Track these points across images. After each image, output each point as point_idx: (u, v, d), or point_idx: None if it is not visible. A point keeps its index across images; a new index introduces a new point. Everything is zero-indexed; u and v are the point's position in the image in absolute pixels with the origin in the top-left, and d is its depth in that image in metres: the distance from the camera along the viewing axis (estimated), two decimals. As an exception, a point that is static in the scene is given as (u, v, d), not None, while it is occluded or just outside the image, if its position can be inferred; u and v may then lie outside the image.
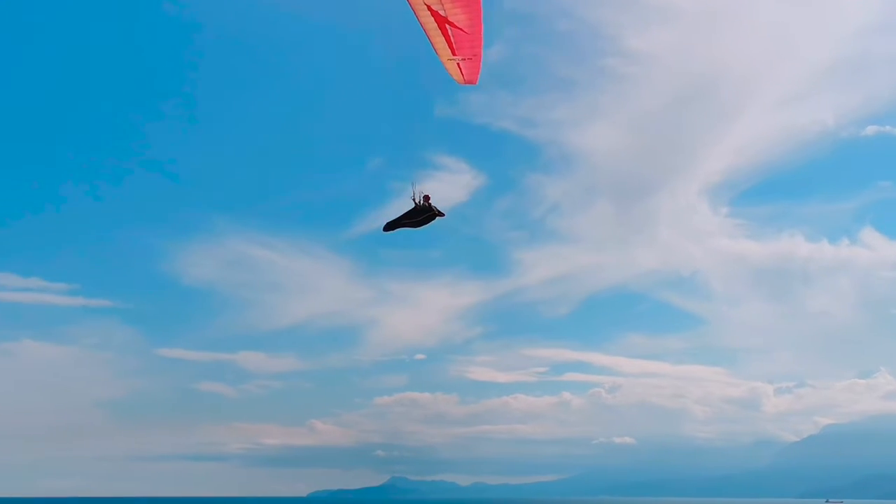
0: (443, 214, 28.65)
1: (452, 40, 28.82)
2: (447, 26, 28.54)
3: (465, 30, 28.65)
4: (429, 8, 28.08)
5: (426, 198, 28.59)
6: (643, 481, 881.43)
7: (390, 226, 28.38)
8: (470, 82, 29.88)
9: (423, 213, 28.37)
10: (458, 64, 29.35)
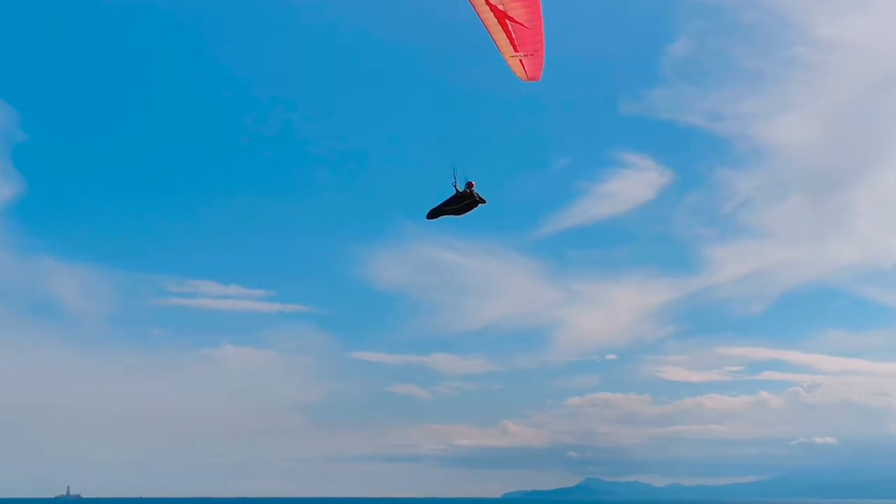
0: (484, 201, 28.10)
1: (514, 36, 28.12)
2: (507, 22, 27.86)
3: (526, 25, 27.89)
4: (488, 3, 27.50)
5: (469, 184, 28.04)
6: (846, 483, 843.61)
7: (433, 213, 28.02)
8: (533, 79, 29.09)
9: (464, 200, 27.82)
10: (520, 60, 28.63)
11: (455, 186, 26.54)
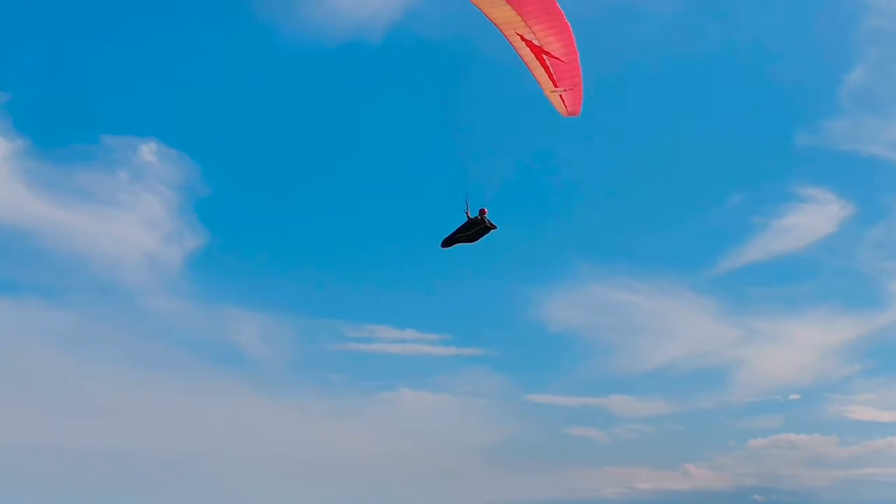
0: (495, 227, 27.62)
1: (552, 71, 27.63)
2: (544, 56, 27.41)
3: (563, 59, 27.35)
4: (522, 38, 27.20)
5: (482, 211, 27.72)
6: None
7: (447, 242, 27.79)
8: (573, 114, 28.46)
9: (476, 226, 27.54)
10: (560, 96, 28.08)
11: (467, 214, 26.26)
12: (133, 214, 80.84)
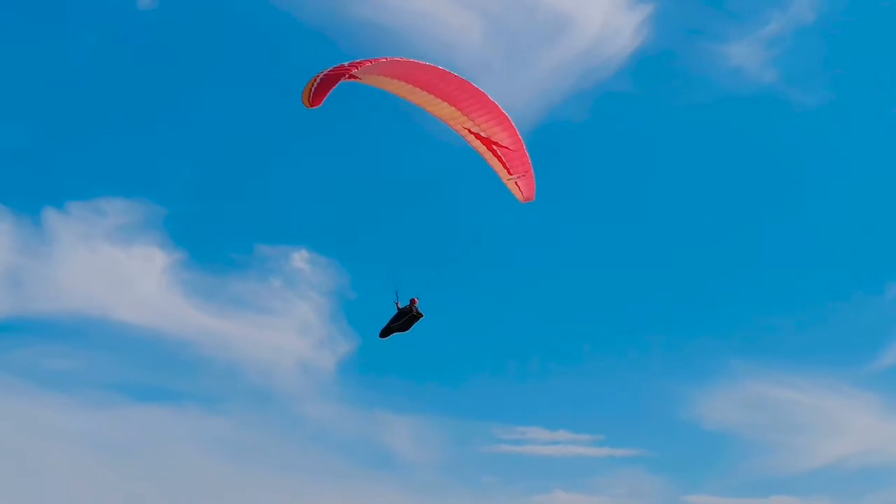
0: (421, 315, 28.13)
1: (504, 160, 28.25)
2: (494, 147, 28.06)
3: (510, 147, 27.88)
4: (470, 132, 27.91)
5: (413, 301, 28.37)
6: None
7: (384, 332, 28.57)
8: (528, 199, 28.84)
9: (405, 315, 28.20)
10: (515, 182, 28.59)
11: (397, 305, 27.01)
12: (287, 321, 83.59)
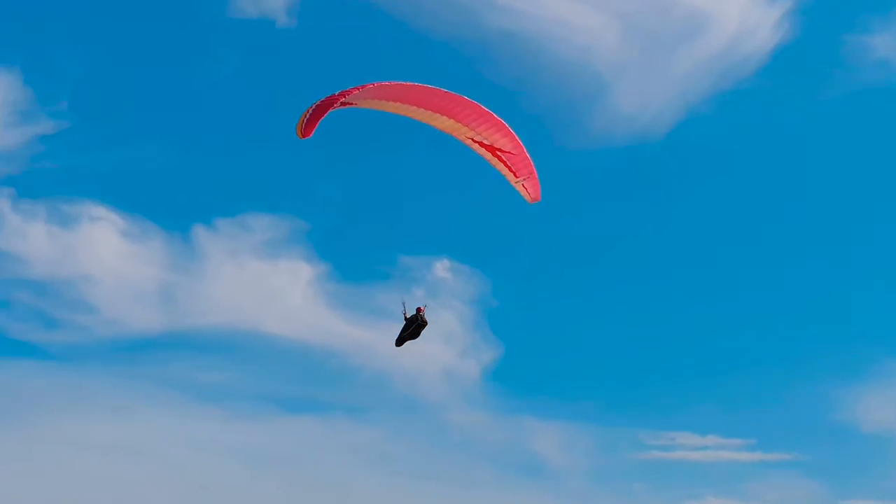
0: (426, 323, 29.43)
1: (510, 164, 29.36)
2: (499, 153, 29.21)
3: (513, 151, 28.98)
4: (474, 140, 29.07)
5: (419, 309, 29.64)
6: None
7: (398, 342, 30.01)
8: (536, 199, 29.82)
9: (413, 324, 29.56)
10: (522, 184, 29.68)
11: (404, 315, 28.52)
12: (431, 331, 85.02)
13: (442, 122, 28.82)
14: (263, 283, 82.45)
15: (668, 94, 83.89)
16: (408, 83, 27.28)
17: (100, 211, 76.78)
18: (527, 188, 29.65)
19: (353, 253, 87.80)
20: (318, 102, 26.20)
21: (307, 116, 25.95)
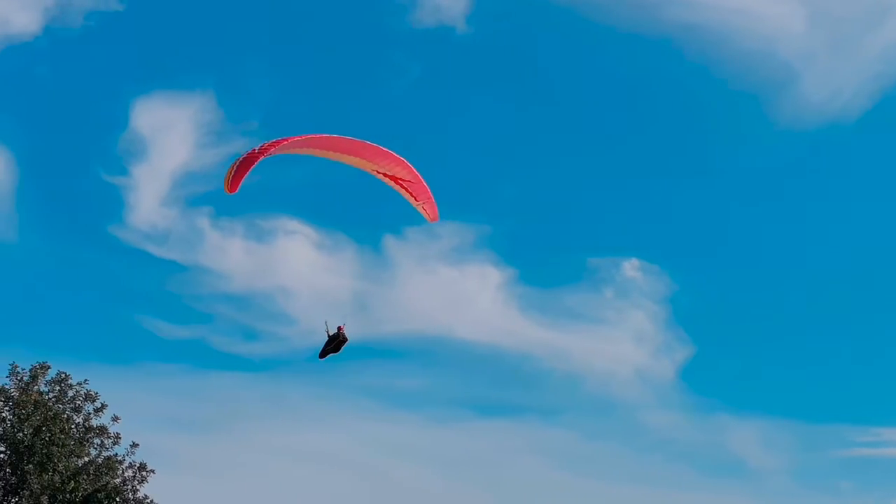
0: (346, 339, 33.06)
1: (410, 190, 34.38)
2: (400, 182, 34.22)
3: (412, 180, 34.06)
4: (378, 173, 34.05)
5: (340, 328, 33.21)
6: None
7: (322, 354, 33.24)
8: (434, 219, 35.07)
9: (334, 340, 33.21)
10: (422, 207, 34.78)
11: (327, 332, 32.60)
12: (622, 331, 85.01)
13: (349, 159, 33.80)
14: (453, 288, 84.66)
15: (861, 78, 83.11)
16: (318, 135, 32.18)
17: (294, 225, 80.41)
18: (426, 209, 34.81)
19: (538, 256, 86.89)
20: (240, 158, 30.94)
21: (232, 172, 30.68)
